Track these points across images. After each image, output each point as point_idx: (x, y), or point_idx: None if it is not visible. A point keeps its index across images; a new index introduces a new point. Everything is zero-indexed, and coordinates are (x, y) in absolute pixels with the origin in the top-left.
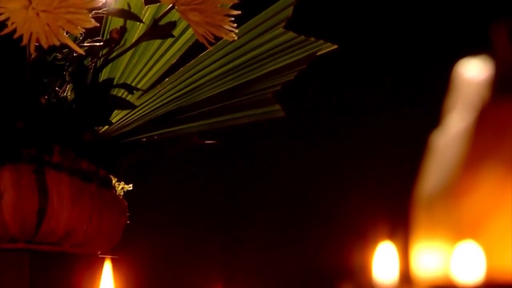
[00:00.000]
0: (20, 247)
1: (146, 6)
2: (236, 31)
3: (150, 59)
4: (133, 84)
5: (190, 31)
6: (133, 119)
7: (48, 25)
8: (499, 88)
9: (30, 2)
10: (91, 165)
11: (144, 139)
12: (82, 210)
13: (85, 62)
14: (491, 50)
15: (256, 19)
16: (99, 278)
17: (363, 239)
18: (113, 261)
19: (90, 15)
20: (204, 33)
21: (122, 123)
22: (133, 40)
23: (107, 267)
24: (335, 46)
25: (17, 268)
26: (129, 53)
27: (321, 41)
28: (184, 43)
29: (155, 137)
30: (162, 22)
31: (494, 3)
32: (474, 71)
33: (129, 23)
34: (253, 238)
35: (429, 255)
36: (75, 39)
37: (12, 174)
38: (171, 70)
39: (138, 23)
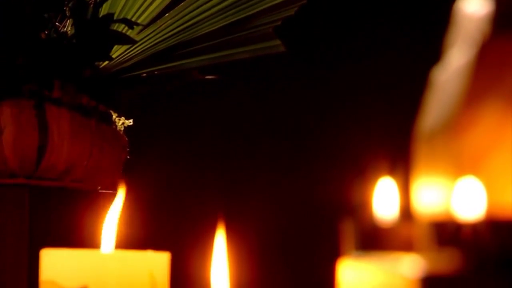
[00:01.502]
0: (20, 182)
1: None
2: None
3: None
4: (133, 19)
5: None
6: (133, 54)
7: None
8: (500, 24)
9: None
10: (91, 100)
11: (144, 74)
12: (82, 145)
13: None
14: None
15: None
16: (99, 213)
17: (363, 175)
18: (114, 196)
19: None
20: None
21: (122, 58)
22: None
23: (108, 202)
24: None
25: (17, 204)
26: None
27: None
28: None
29: (155, 72)
30: None
31: None
32: (475, 6)
33: None
34: (253, 174)
35: (430, 190)
36: None
37: (12, 110)
38: (171, 4)
39: None
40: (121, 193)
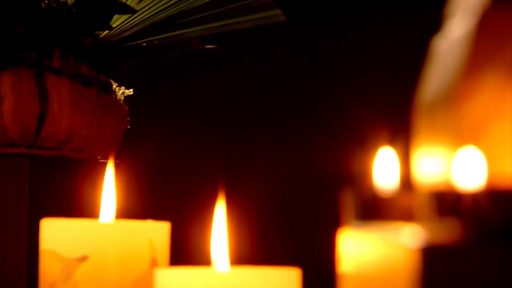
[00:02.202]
0: (20, 151)
1: None
2: None
3: None
4: None
5: None
6: (134, 23)
7: None
8: None
9: None
10: (91, 70)
11: (145, 44)
12: (82, 114)
13: None
14: None
15: None
16: (99, 182)
17: (363, 145)
18: (114, 165)
19: None
20: None
21: (122, 27)
22: None
23: (107, 172)
24: None
25: (17, 173)
26: None
27: None
28: None
29: (155, 42)
30: None
31: None
32: None
33: None
34: (253, 145)
35: (430, 160)
36: None
37: (12, 79)
38: None
39: None
40: (111, 162)
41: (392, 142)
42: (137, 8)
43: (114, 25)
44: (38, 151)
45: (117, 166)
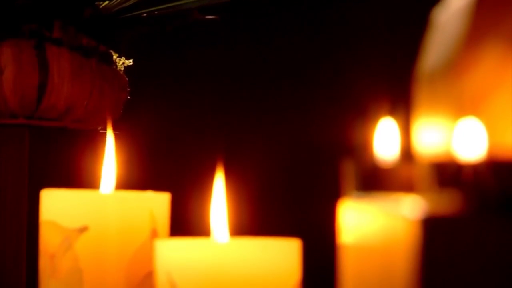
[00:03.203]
0: (21, 122)
1: None
2: None
3: None
4: None
5: None
6: None
7: None
8: None
9: None
10: (92, 40)
11: (145, 15)
12: (82, 85)
13: None
14: None
15: None
16: (100, 153)
17: (364, 115)
18: (114, 136)
19: None
20: None
21: None
22: None
23: (108, 143)
24: None
25: (18, 144)
26: None
27: None
28: None
29: (156, 13)
30: None
31: None
32: None
33: None
34: (253, 115)
35: (431, 131)
36: None
37: (12, 50)
38: None
39: None
40: (111, 133)
41: (392, 113)
42: None
43: None
44: (38, 122)
45: (117, 136)
